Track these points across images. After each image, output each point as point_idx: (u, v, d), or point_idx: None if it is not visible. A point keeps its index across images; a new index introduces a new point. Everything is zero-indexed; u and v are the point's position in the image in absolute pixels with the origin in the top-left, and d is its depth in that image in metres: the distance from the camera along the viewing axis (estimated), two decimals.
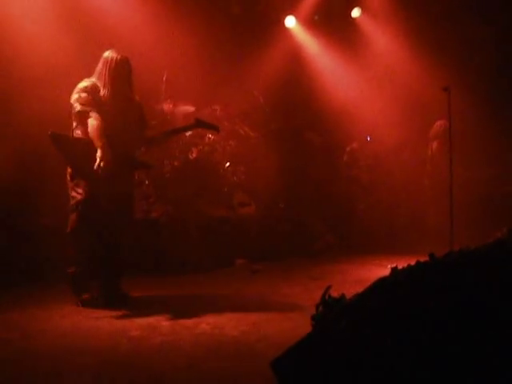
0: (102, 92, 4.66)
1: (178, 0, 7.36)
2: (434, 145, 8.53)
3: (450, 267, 1.87)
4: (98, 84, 4.68)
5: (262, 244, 7.28)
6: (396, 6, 9.03)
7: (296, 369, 2.09)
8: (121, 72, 4.73)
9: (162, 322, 4.07)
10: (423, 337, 1.73)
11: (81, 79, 4.72)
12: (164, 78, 7.03)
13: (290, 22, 9.51)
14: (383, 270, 2.33)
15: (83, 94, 4.56)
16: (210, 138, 7.54)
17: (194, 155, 7.13)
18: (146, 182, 6.66)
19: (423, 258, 2.19)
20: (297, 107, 9.04)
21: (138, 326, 3.98)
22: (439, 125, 8.35)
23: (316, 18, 9.63)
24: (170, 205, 6.77)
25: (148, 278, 5.73)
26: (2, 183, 5.57)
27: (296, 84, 9.45)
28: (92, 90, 4.61)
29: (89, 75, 4.77)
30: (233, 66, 8.29)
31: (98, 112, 4.53)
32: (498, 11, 8.70)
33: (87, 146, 4.46)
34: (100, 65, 4.75)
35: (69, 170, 4.63)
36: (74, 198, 4.59)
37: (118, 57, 4.75)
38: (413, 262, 2.19)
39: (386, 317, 1.82)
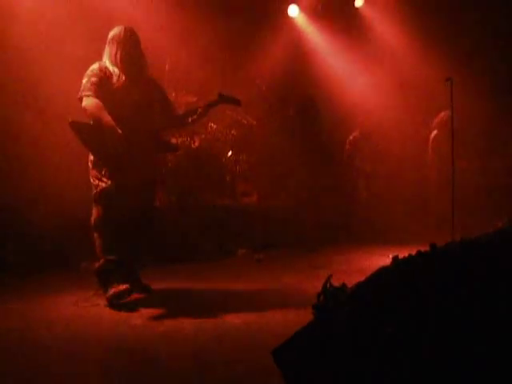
0: (115, 72, 4.40)
1: None
2: (434, 133, 8.55)
3: (450, 256, 1.88)
4: (109, 65, 4.41)
5: (264, 233, 7.29)
6: None
7: (297, 357, 2.10)
8: (130, 47, 4.47)
9: (163, 312, 4.09)
10: (424, 325, 1.74)
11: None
12: (166, 68, 7.00)
13: (293, 11, 9.49)
14: (385, 259, 2.33)
15: (85, 80, 4.31)
16: (212, 127, 7.54)
17: (197, 144, 7.12)
18: None
19: (425, 248, 2.20)
20: (299, 96, 9.01)
21: (141, 314, 4.00)
22: (442, 115, 8.37)
23: (319, 7, 9.60)
24: (173, 194, 6.78)
25: (149, 267, 5.74)
26: None
27: (299, 73, 9.43)
28: (98, 73, 4.33)
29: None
30: (235, 55, 8.29)
31: (101, 96, 4.25)
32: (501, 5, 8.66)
33: (108, 131, 4.19)
34: (107, 45, 4.51)
35: (91, 157, 4.41)
36: (97, 186, 4.35)
37: (123, 30, 4.49)
38: (414, 252, 2.20)
39: (387, 305, 1.83)
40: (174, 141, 6.84)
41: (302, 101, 8.35)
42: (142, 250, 4.71)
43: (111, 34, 4.53)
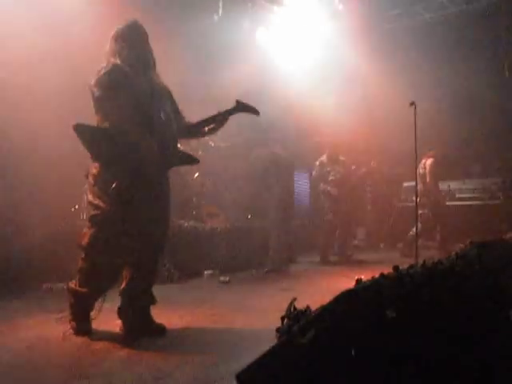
0: (132, 73, 3.79)
1: (148, 7, 7.31)
2: (430, 161, 8.73)
3: (411, 279, 1.90)
4: (120, 64, 3.79)
5: (230, 255, 7.28)
6: (366, 27, 9.21)
7: (261, 381, 2.08)
8: (135, 43, 3.88)
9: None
10: (385, 348, 1.75)
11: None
12: None
13: (262, 31, 9.60)
14: (350, 281, 2.34)
15: (101, 78, 3.69)
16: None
17: None
18: None
19: (389, 270, 2.22)
20: (266, 119, 9.08)
21: (103, 338, 3.93)
22: (426, 162, 8.68)
23: (287, 30, 9.75)
24: None
25: (114, 288, 5.66)
26: None
27: (267, 96, 9.50)
28: (115, 71, 3.74)
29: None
30: (201, 75, 8.30)
31: (125, 97, 3.67)
32: (464, 30, 8.92)
33: (120, 137, 3.66)
34: (113, 42, 3.91)
35: (93, 171, 3.79)
36: (97, 207, 3.75)
37: (127, 26, 3.91)
38: (377, 274, 2.22)
39: (349, 328, 1.84)
40: None
41: (270, 123, 8.43)
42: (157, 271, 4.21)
43: (116, 30, 3.93)
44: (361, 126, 9.23)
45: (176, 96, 4.23)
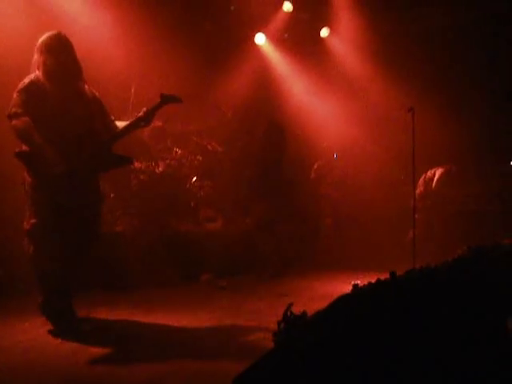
0: (49, 85, 4.03)
1: (148, 15, 7.34)
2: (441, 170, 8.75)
3: (408, 285, 1.90)
4: (41, 77, 4.03)
5: (228, 259, 7.26)
6: (363, 27, 9.19)
7: None
8: (62, 55, 4.07)
9: (123, 338, 4.02)
10: (381, 353, 1.75)
11: None
12: (132, 91, 6.98)
13: (260, 39, 9.60)
14: (347, 286, 2.35)
15: (15, 95, 3.97)
16: (177, 152, 7.53)
17: (161, 169, 7.09)
18: (112, 195, 6.59)
19: (386, 275, 2.22)
20: (264, 123, 9.10)
21: (100, 342, 3.92)
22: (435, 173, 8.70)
23: (286, 36, 9.75)
24: (136, 219, 6.71)
25: (111, 293, 5.66)
26: None
27: (264, 100, 9.52)
28: (30, 88, 3.98)
29: None
30: (201, 81, 8.31)
31: (34, 112, 3.92)
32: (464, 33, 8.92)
33: (39, 153, 3.92)
34: (37, 54, 4.09)
35: (26, 186, 4.10)
36: (31, 216, 4.08)
37: (53, 37, 4.08)
38: (375, 279, 2.22)
39: (346, 333, 1.84)
40: (137, 165, 6.80)
41: (267, 127, 8.43)
42: (80, 274, 4.46)
43: (41, 41, 4.12)
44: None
45: None
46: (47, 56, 4.05)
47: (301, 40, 9.81)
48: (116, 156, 4.44)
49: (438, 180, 8.73)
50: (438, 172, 8.78)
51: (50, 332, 4.16)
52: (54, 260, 4.05)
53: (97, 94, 4.44)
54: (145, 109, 4.41)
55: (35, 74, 4.08)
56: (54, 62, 4.05)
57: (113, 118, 4.54)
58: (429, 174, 8.70)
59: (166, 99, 4.42)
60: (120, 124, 4.51)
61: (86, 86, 4.33)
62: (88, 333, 4.11)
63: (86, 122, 4.19)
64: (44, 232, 4.05)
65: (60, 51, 4.09)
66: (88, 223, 4.33)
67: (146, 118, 4.41)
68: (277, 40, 9.73)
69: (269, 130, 7.93)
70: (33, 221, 4.08)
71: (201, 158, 7.81)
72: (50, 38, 4.10)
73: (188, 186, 7.65)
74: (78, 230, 4.19)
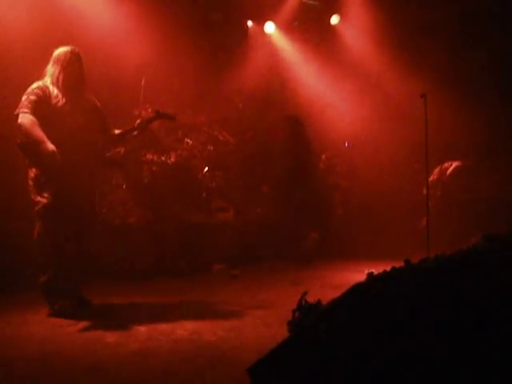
0: (55, 93, 4.50)
1: (159, 6, 7.33)
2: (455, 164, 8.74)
3: (423, 273, 1.89)
4: (50, 85, 4.52)
5: (239, 249, 7.27)
6: (374, 14, 9.10)
7: (273, 375, 2.08)
8: (74, 70, 4.60)
9: (138, 328, 4.04)
10: (398, 340, 1.74)
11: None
12: (142, 83, 6.97)
13: (270, 27, 9.55)
14: (361, 275, 2.35)
15: (24, 97, 4.41)
16: (188, 143, 7.53)
17: (173, 160, 7.09)
18: (124, 187, 6.60)
19: (400, 264, 2.21)
20: (275, 113, 9.08)
21: (115, 332, 3.94)
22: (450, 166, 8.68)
23: (295, 24, 9.69)
24: (148, 210, 6.72)
25: (125, 283, 5.69)
26: None
27: (275, 90, 9.49)
28: (38, 92, 4.44)
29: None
30: (212, 72, 8.29)
31: (39, 114, 4.35)
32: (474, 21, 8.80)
33: (40, 146, 4.30)
34: (51, 64, 4.60)
35: (31, 174, 4.48)
36: (38, 203, 4.45)
37: (69, 52, 4.60)
38: (389, 268, 2.21)
39: (361, 321, 1.83)
40: (149, 156, 6.83)
41: (284, 118, 8.42)
42: (83, 262, 4.78)
43: (56, 54, 4.62)
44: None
45: None
46: (59, 69, 4.57)
47: (311, 28, 9.75)
48: (109, 158, 5.27)
49: (453, 169, 8.71)
50: (455, 164, 8.77)
51: (64, 322, 4.19)
52: (61, 237, 4.52)
53: (98, 103, 4.89)
54: (138, 121, 5.02)
55: (43, 80, 4.56)
56: (64, 75, 4.56)
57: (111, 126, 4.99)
58: (446, 164, 8.69)
59: (159, 115, 5.05)
60: (117, 131, 4.99)
61: (89, 97, 4.82)
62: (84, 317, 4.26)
63: (85, 128, 4.63)
64: (52, 212, 4.43)
65: (70, 66, 4.59)
66: (85, 213, 4.71)
67: (139, 129, 5.00)
68: (286, 28, 9.68)
69: (289, 125, 7.97)
70: (39, 199, 4.45)
71: (212, 149, 7.80)
72: (65, 54, 4.60)
73: (200, 176, 7.65)
74: (76, 218, 4.62)
